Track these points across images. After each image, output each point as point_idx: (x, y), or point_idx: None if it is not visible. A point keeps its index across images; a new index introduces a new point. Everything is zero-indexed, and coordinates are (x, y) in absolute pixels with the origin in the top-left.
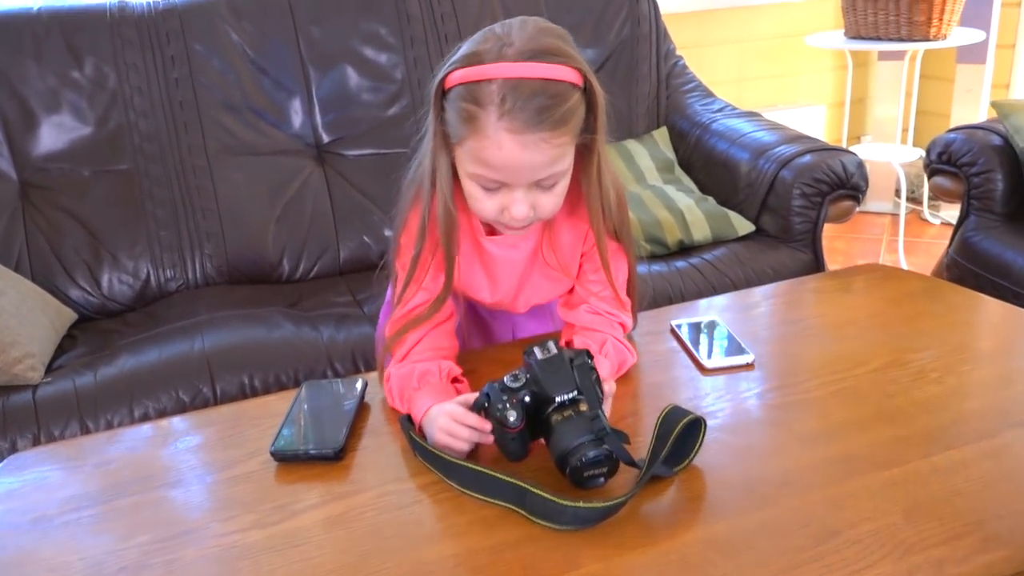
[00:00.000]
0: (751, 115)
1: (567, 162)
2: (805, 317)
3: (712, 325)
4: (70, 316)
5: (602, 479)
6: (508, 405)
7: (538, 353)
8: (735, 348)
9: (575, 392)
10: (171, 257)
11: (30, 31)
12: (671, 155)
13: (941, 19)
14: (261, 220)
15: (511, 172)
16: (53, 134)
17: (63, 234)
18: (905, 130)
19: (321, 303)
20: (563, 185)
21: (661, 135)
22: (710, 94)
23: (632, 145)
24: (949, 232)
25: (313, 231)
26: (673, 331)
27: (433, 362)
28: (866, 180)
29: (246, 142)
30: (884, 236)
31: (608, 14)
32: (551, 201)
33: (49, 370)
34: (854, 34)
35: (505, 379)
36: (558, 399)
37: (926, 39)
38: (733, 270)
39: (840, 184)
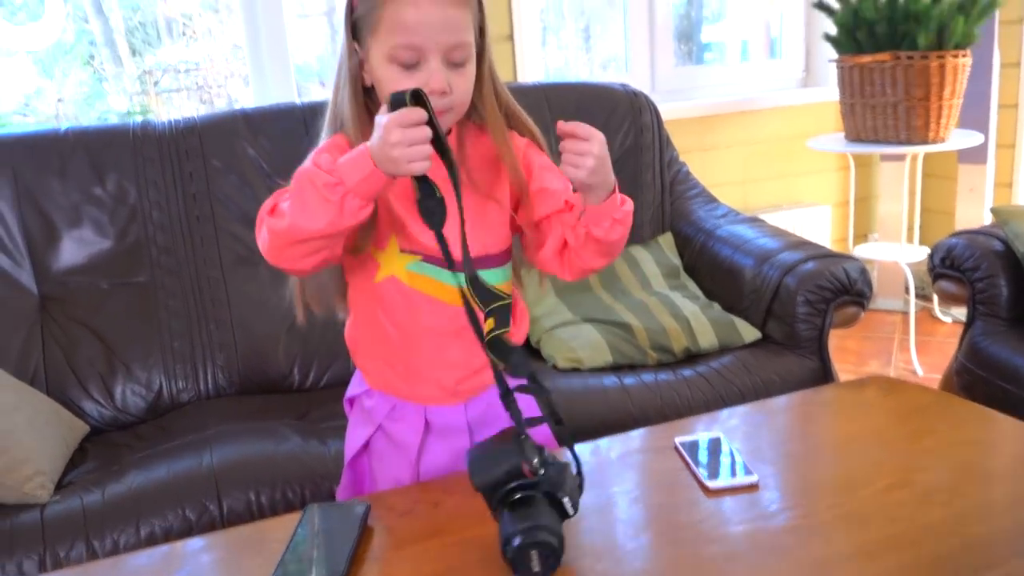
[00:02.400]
0: (755, 221)
1: (471, 37)
2: (811, 433)
3: (716, 442)
4: (82, 429)
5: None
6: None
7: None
8: (739, 468)
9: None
10: (184, 368)
11: (56, 151)
12: (677, 261)
13: (939, 123)
14: (272, 330)
15: (426, 30)
16: (74, 248)
17: (79, 346)
18: (911, 228)
19: (329, 414)
20: (471, 67)
21: (666, 241)
22: (714, 200)
23: (637, 251)
24: (961, 330)
25: (324, 342)
26: (677, 449)
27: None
28: (870, 286)
29: (259, 254)
30: (896, 335)
31: (612, 124)
32: (463, 82)
33: (58, 487)
34: (854, 137)
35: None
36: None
37: (925, 142)
38: (740, 378)
39: (844, 290)
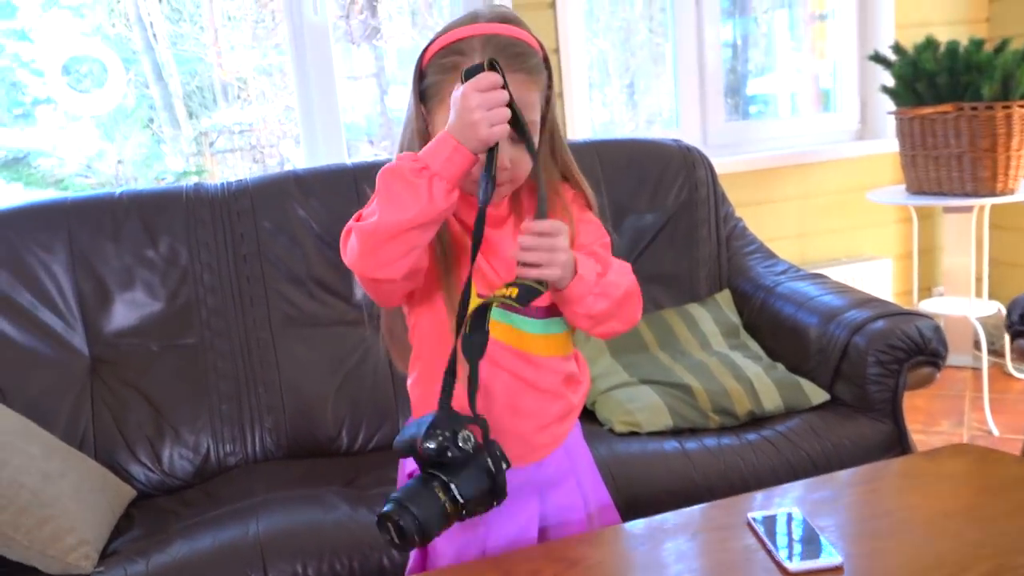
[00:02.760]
0: (816, 277)
1: (537, 116)
2: (894, 509)
3: (791, 518)
4: (129, 494)
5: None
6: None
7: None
8: (820, 548)
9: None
10: (231, 431)
11: (111, 214)
12: (736, 319)
13: (1007, 174)
14: (321, 392)
15: None
16: (125, 310)
17: (128, 409)
18: (979, 280)
19: (378, 480)
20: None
21: (724, 298)
22: (772, 255)
23: (695, 309)
24: None
25: (373, 402)
26: (750, 525)
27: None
28: (945, 345)
29: (309, 314)
30: (967, 393)
31: (666, 180)
32: (525, 160)
33: (103, 556)
34: (916, 189)
35: None
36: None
37: (992, 194)
38: (809, 443)
39: (918, 350)
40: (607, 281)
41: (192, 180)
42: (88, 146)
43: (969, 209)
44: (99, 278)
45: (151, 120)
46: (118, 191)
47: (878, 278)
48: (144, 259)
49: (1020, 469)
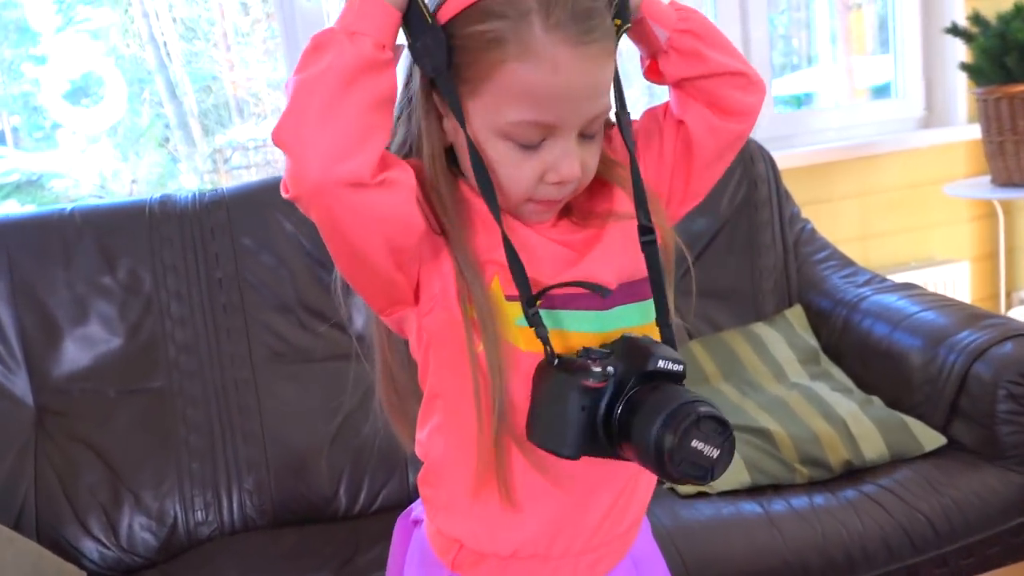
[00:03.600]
0: (908, 287)
1: (610, 98)
2: None
3: None
4: None
5: (705, 471)
6: (592, 360)
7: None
8: None
9: (681, 367)
10: (204, 495)
11: (60, 235)
12: (813, 341)
13: None
14: (314, 442)
15: (569, 103)
16: (77, 349)
17: (79, 470)
18: None
19: (384, 554)
20: (600, 138)
21: (796, 316)
22: (850, 263)
23: (762, 329)
24: None
25: (377, 452)
26: None
27: None
28: None
29: (298, 347)
30: None
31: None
32: (593, 160)
33: None
34: (1004, 180)
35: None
36: (660, 364)
37: None
38: (927, 500)
39: None
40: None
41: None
42: (103, 166)
43: None
44: (45, 311)
45: (166, 139)
46: (69, 207)
47: (954, 284)
48: (99, 287)
49: None
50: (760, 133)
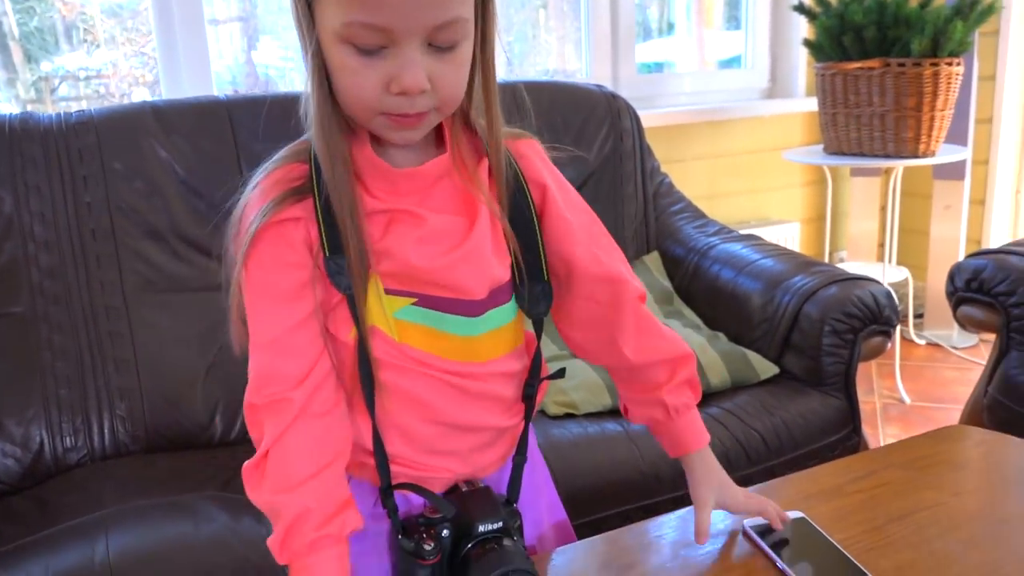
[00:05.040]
0: (751, 238)
1: (467, 11)
2: (911, 510)
3: (804, 526)
4: None
5: None
6: (425, 535)
7: (463, 487)
8: (841, 564)
9: (500, 524)
10: (72, 422)
11: None
12: (667, 284)
13: (930, 135)
14: (189, 370)
15: (399, 5)
16: None
17: None
18: (880, 245)
19: None
20: (464, 54)
21: (653, 261)
22: (702, 215)
23: None
24: (937, 353)
25: None
26: (748, 536)
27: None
28: (897, 313)
29: (172, 276)
30: (872, 361)
31: (589, 129)
32: (451, 74)
33: None
34: (835, 149)
35: (424, 512)
36: (481, 528)
37: (914, 155)
38: (760, 420)
39: (873, 319)
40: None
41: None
42: None
43: (877, 172)
44: None
45: None
46: None
47: (785, 242)
48: None
49: None
50: (623, 93)
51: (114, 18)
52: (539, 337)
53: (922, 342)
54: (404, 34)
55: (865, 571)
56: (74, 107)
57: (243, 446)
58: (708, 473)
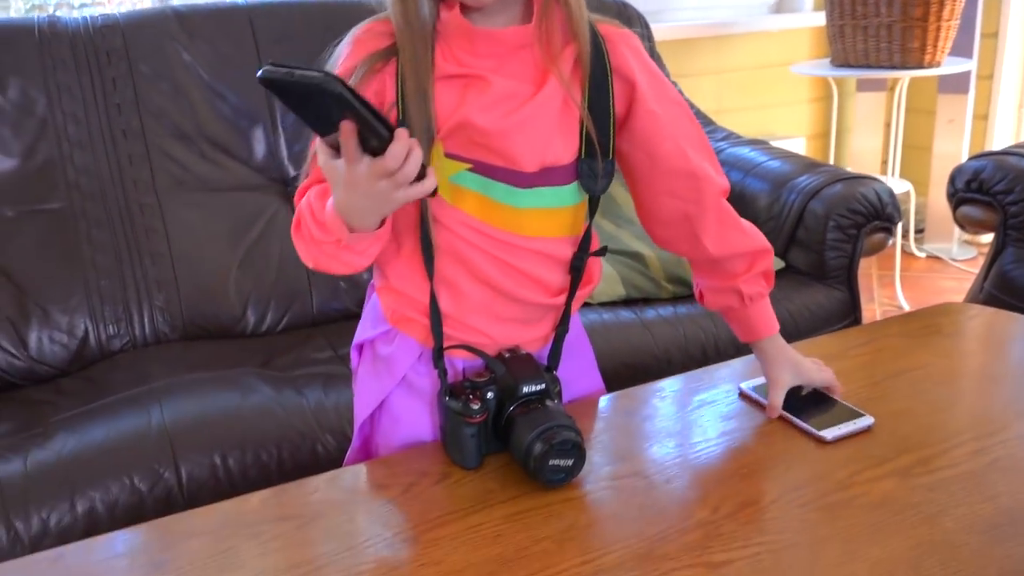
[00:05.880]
0: (758, 143)
1: None
2: (907, 368)
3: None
4: None
5: (563, 476)
6: (471, 396)
7: (506, 354)
8: (845, 410)
9: (542, 385)
10: (114, 310)
11: None
12: None
13: (936, 46)
14: (221, 265)
15: None
16: None
17: None
18: (884, 161)
19: (299, 361)
20: None
21: None
22: (711, 122)
23: None
24: (936, 264)
25: (281, 276)
26: (744, 395)
27: None
28: (899, 210)
29: (202, 176)
30: (872, 271)
31: None
32: None
33: None
34: (841, 62)
35: (469, 376)
36: (525, 389)
37: (920, 66)
38: None
39: (876, 215)
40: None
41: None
42: None
43: (883, 86)
44: None
45: None
46: None
47: None
48: None
49: (1021, 325)
50: (635, 3)
51: None
52: (592, 215)
53: (922, 255)
54: None
55: (861, 411)
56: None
57: (276, 337)
58: (780, 354)
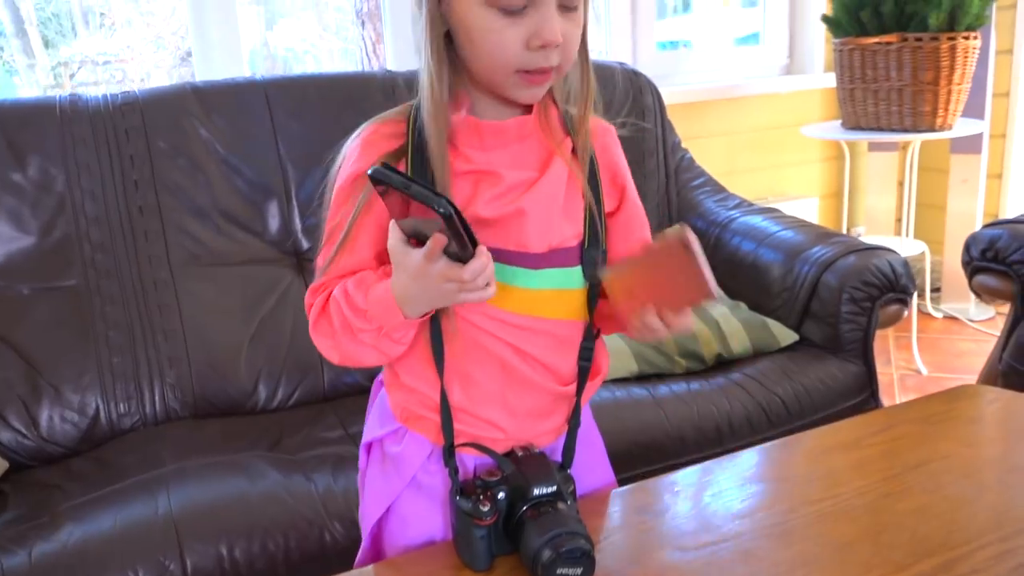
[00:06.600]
0: (770, 211)
1: None
2: (926, 459)
3: None
4: None
5: None
6: (482, 497)
7: (519, 452)
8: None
9: (554, 488)
10: (126, 388)
11: None
12: None
13: (947, 109)
14: (233, 340)
15: None
16: None
17: None
18: (898, 220)
19: (309, 441)
20: (582, 16)
21: None
22: (722, 189)
23: None
24: (954, 325)
25: (293, 351)
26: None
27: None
28: (914, 282)
29: (216, 251)
30: (891, 332)
31: (612, 107)
32: (575, 33)
33: None
34: (852, 124)
35: (480, 475)
36: (536, 491)
37: (932, 129)
38: (781, 386)
39: (890, 287)
40: None
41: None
42: None
43: (894, 147)
44: None
45: (0, 49)
46: None
47: (803, 217)
48: (9, 183)
49: None
50: (643, 70)
51: (131, 2)
52: (593, 302)
53: (939, 315)
54: None
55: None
56: (92, 92)
57: (287, 413)
58: None
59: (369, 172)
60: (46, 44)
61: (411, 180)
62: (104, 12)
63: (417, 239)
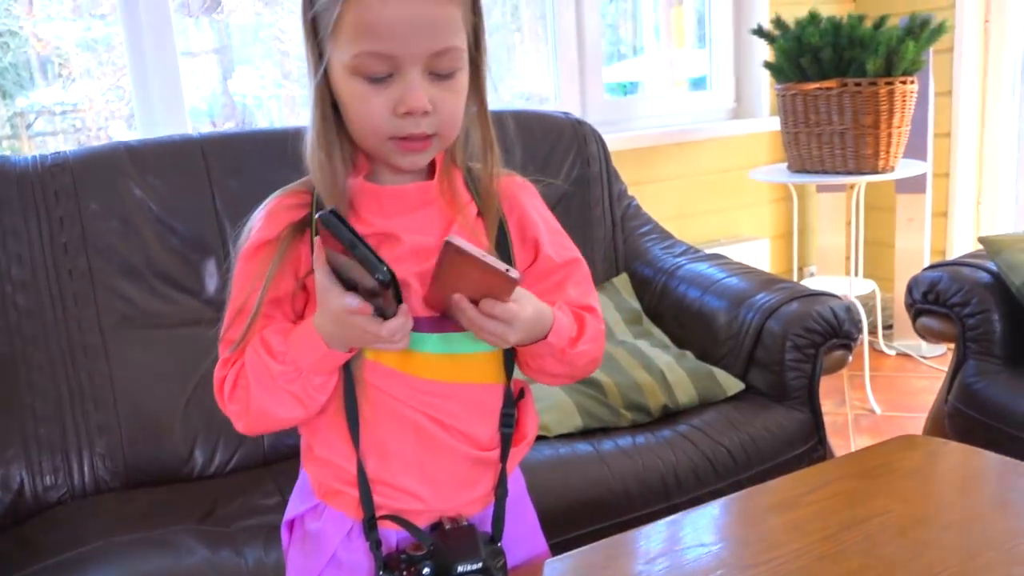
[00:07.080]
0: (716, 257)
1: (461, 42)
2: (864, 517)
3: None
4: None
5: None
6: (406, 572)
7: (446, 524)
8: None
9: (479, 564)
10: (52, 460)
11: None
12: (636, 304)
13: (888, 151)
14: (167, 405)
15: (402, 35)
16: None
17: None
18: (847, 258)
19: (244, 510)
20: (462, 82)
21: (622, 283)
22: (668, 236)
23: None
24: (907, 363)
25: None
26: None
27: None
28: (857, 327)
29: (149, 312)
30: (844, 371)
31: (556, 155)
32: (450, 100)
33: None
34: (798, 167)
35: (406, 549)
36: (460, 569)
37: (875, 171)
38: (727, 436)
39: (833, 333)
40: (576, 352)
41: None
42: None
43: (842, 188)
44: None
45: None
46: None
47: (755, 259)
48: None
49: (982, 461)
50: (592, 117)
51: (89, 52)
52: (510, 366)
53: (892, 352)
54: (407, 60)
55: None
56: (50, 142)
57: (223, 480)
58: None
59: (320, 215)
60: (3, 95)
61: (358, 240)
62: (62, 62)
63: (341, 278)
